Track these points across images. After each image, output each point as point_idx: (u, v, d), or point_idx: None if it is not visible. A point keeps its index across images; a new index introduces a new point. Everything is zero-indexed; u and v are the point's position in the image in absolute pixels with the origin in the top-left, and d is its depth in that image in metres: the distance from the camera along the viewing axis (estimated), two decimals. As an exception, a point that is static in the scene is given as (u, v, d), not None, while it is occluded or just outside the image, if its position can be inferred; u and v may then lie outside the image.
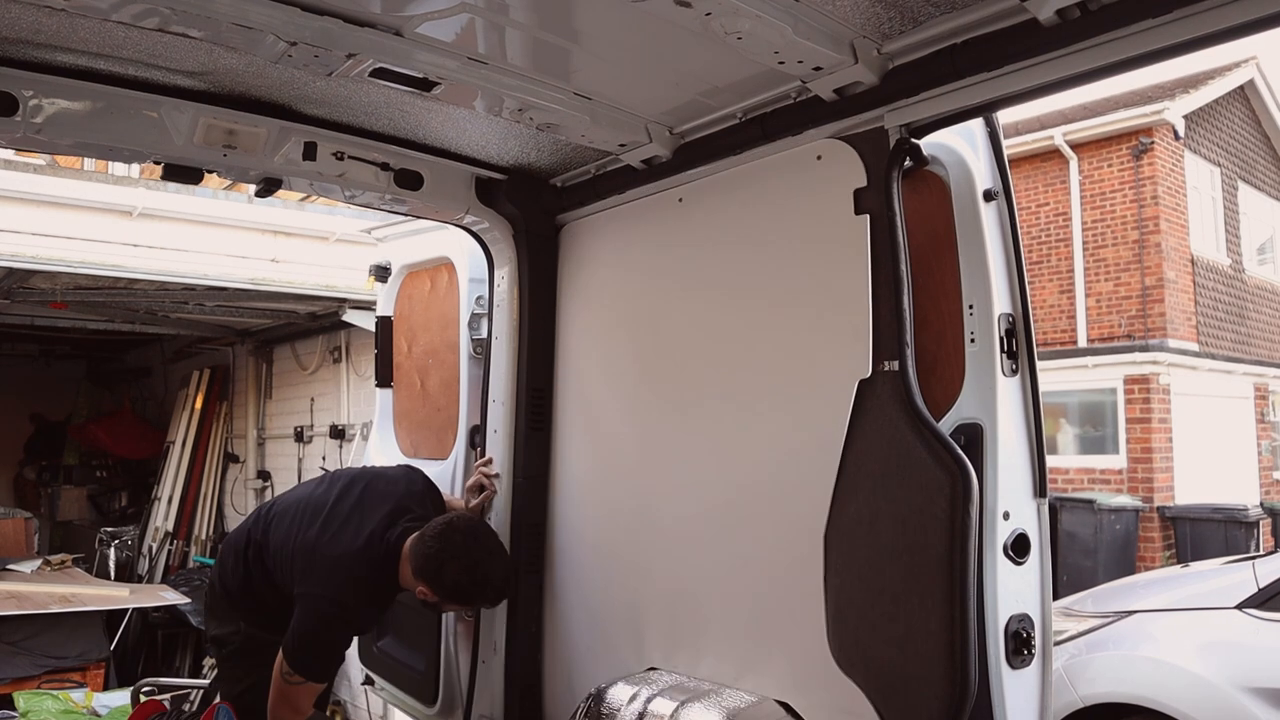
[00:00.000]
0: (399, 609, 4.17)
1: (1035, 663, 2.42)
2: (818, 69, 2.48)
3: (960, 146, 2.53)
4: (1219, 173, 16.71)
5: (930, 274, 2.54)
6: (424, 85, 2.71)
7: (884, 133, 2.53)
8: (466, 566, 3.21)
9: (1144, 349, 13.84)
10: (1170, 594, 5.43)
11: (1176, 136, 14.96)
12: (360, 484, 3.54)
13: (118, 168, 7.82)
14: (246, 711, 3.41)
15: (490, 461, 3.76)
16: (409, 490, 3.54)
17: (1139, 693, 4.81)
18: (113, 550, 10.59)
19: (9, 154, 6.82)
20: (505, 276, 3.78)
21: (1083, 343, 15.02)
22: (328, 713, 3.84)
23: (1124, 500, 12.45)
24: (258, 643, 3.42)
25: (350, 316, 8.28)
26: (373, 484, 3.55)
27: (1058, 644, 4.87)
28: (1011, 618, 2.38)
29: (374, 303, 4.84)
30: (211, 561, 10.20)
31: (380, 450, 4.59)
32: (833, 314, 2.67)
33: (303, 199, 7.92)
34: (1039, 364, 2.50)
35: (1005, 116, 2.62)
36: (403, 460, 4.24)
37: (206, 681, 6.45)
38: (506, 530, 3.70)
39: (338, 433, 9.23)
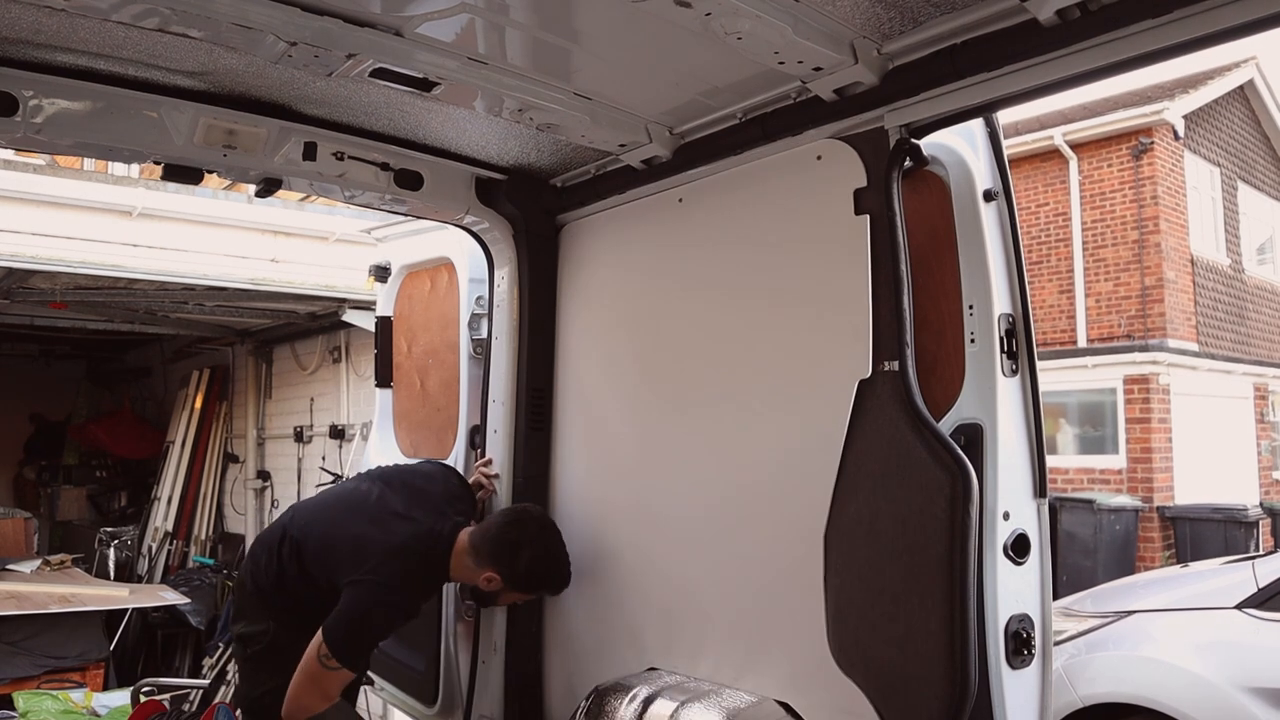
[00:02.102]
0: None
1: (1035, 663, 2.42)
2: (818, 69, 2.48)
3: (960, 146, 2.53)
4: (1219, 173, 16.71)
5: (930, 274, 2.54)
6: (424, 85, 2.71)
7: (884, 133, 2.53)
8: (540, 553, 3.31)
9: (1144, 349, 13.84)
10: (1170, 594, 5.43)
11: (1176, 136, 14.96)
12: (401, 479, 3.63)
13: (118, 168, 7.82)
14: (262, 714, 3.36)
15: (490, 462, 3.76)
16: (447, 488, 3.64)
17: (1139, 693, 4.81)
18: (112, 550, 10.59)
19: (9, 154, 6.82)
20: (505, 276, 3.78)
21: (1083, 343, 15.02)
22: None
23: (1124, 500, 12.45)
24: (283, 645, 3.35)
25: (350, 316, 8.28)
26: (412, 481, 3.63)
27: (1058, 644, 4.87)
28: (1011, 618, 2.38)
29: (374, 303, 4.83)
30: (211, 561, 10.22)
31: (380, 451, 4.59)
32: (833, 314, 2.68)
33: (303, 199, 7.92)
34: (1039, 364, 2.50)
35: (1005, 116, 2.63)
36: (403, 461, 4.23)
37: (207, 681, 6.46)
38: (506, 530, 3.70)
39: (337, 433, 9.23)
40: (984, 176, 2.50)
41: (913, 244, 2.48)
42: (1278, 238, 18.91)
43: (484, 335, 3.94)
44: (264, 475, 10.60)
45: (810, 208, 2.76)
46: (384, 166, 3.33)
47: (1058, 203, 15.50)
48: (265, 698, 3.37)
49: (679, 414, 3.19)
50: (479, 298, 4.02)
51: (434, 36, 2.53)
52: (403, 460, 4.23)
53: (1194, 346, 14.93)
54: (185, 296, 8.64)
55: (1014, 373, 2.47)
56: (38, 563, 9.06)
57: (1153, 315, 14.43)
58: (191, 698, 6.16)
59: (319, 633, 3.18)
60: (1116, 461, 13.70)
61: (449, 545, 3.33)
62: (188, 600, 8.43)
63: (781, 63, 2.45)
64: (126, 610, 8.11)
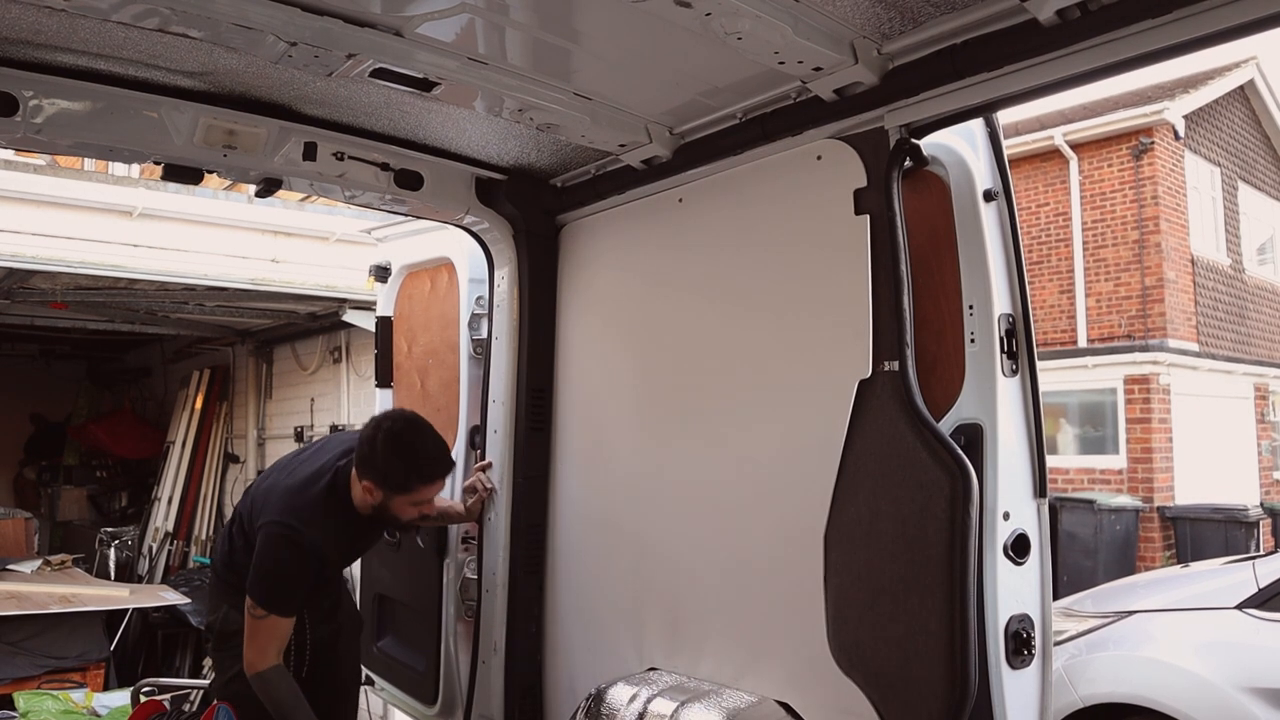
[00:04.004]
0: (398, 608, 4.18)
1: (1035, 663, 2.42)
2: (818, 69, 2.48)
3: (960, 146, 2.53)
4: (1219, 173, 16.71)
5: (930, 274, 2.54)
6: (424, 85, 2.71)
7: (884, 133, 2.53)
8: (393, 438, 3.25)
9: (1144, 349, 13.84)
10: (1170, 594, 5.42)
11: (1176, 136, 14.95)
12: (335, 436, 3.69)
13: (118, 168, 7.82)
14: (234, 699, 3.38)
15: (489, 466, 3.76)
16: None
17: (1139, 693, 4.81)
18: (113, 550, 10.58)
19: (9, 154, 6.81)
20: (505, 276, 3.78)
21: (1083, 343, 15.02)
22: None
23: (1124, 500, 12.44)
24: (235, 626, 3.37)
25: (350, 316, 8.28)
26: (334, 436, 3.68)
27: (1058, 644, 4.87)
28: (1011, 618, 2.38)
29: (374, 303, 4.83)
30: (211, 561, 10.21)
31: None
32: (833, 314, 2.67)
33: (303, 199, 7.92)
34: (1039, 364, 2.50)
35: (1005, 116, 2.63)
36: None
37: (206, 681, 6.45)
38: (506, 530, 3.70)
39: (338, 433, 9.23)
40: (984, 176, 2.50)
41: (913, 244, 2.48)
42: (1278, 238, 18.91)
43: (484, 335, 3.94)
44: (264, 475, 10.58)
45: (810, 208, 2.76)
46: (384, 166, 3.33)
47: (1058, 203, 15.50)
48: (233, 683, 3.38)
49: (679, 413, 3.19)
50: (479, 298, 4.02)
51: (434, 36, 2.53)
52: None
53: (1194, 346, 14.92)
54: (185, 297, 8.64)
55: (1014, 373, 2.47)
56: (38, 563, 9.06)
57: (1153, 315, 14.43)
58: (192, 698, 6.14)
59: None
60: (1117, 461, 13.70)
61: (348, 478, 3.34)
62: (188, 600, 8.41)
63: (781, 63, 2.45)
64: (127, 610, 8.11)
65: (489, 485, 3.74)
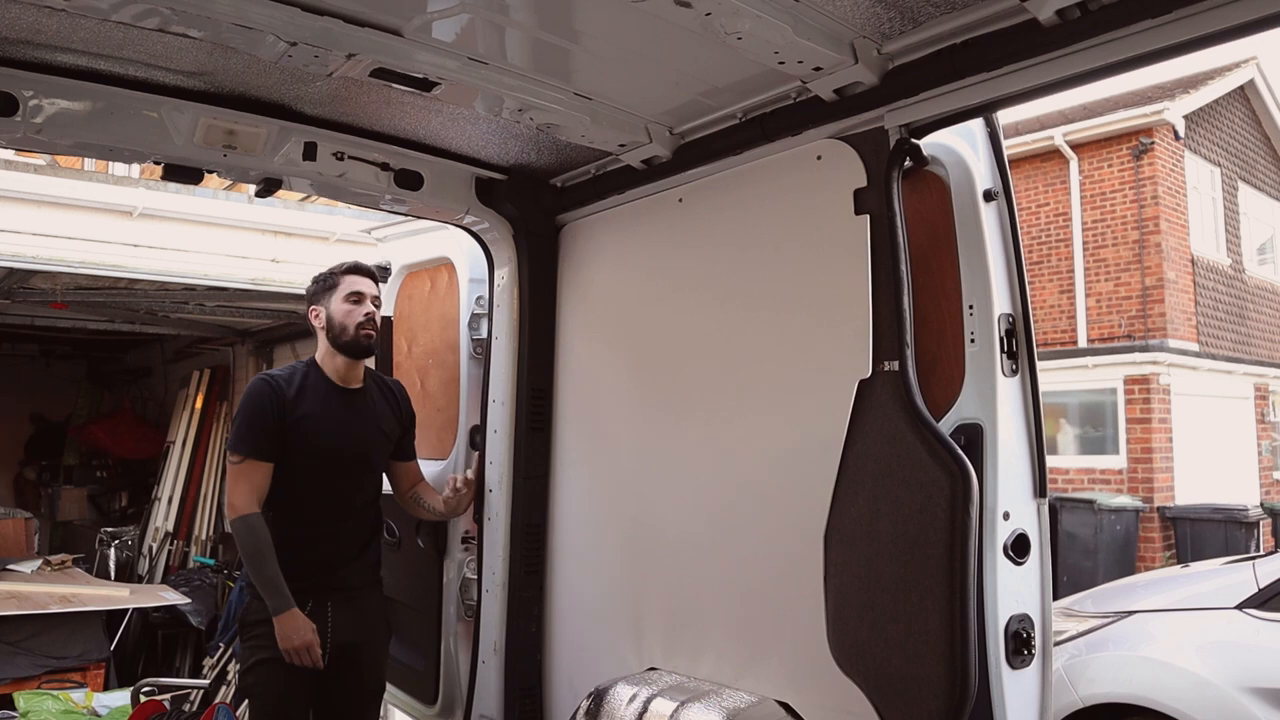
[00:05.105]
0: (398, 608, 4.17)
1: (1035, 663, 2.42)
2: (818, 69, 2.48)
3: (960, 146, 2.53)
4: (1219, 173, 16.70)
5: (930, 274, 2.54)
6: (424, 85, 2.71)
7: (884, 133, 2.53)
8: (323, 270, 3.61)
9: (1144, 349, 13.83)
10: (1170, 594, 5.42)
11: (1176, 136, 14.95)
12: None
13: (118, 168, 7.82)
14: (245, 691, 3.41)
15: (471, 482, 3.75)
16: None
17: (1139, 693, 4.80)
18: (113, 550, 10.57)
19: (9, 154, 6.81)
20: (505, 276, 3.79)
21: (1083, 343, 15.01)
22: None
23: (1124, 500, 12.43)
24: (254, 616, 3.36)
25: (350, 316, 8.25)
26: None
27: (1058, 644, 4.86)
28: (1011, 618, 2.38)
29: (374, 303, 4.83)
30: (212, 562, 10.22)
31: (380, 450, 4.58)
32: (833, 314, 2.68)
33: (303, 199, 7.92)
34: (1039, 364, 2.50)
35: (1005, 116, 2.63)
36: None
37: (207, 682, 6.46)
38: (506, 530, 3.71)
39: (337, 433, 9.19)
40: (984, 176, 2.50)
41: (913, 244, 2.48)
42: (1278, 238, 18.90)
43: (484, 335, 3.94)
44: (264, 475, 10.55)
45: (810, 208, 2.76)
46: (384, 166, 3.34)
47: (1058, 203, 15.49)
48: (249, 674, 3.38)
49: (679, 413, 3.19)
50: (479, 298, 4.02)
51: (434, 36, 2.54)
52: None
53: (1194, 347, 14.92)
54: (186, 297, 8.64)
55: (1014, 373, 2.47)
56: (38, 563, 9.05)
57: (1153, 315, 14.42)
58: (192, 698, 6.17)
59: None
60: (1117, 462, 13.69)
61: (316, 359, 3.58)
62: (188, 600, 8.42)
63: (781, 63, 2.45)
64: (127, 610, 8.10)
65: (460, 485, 3.72)
